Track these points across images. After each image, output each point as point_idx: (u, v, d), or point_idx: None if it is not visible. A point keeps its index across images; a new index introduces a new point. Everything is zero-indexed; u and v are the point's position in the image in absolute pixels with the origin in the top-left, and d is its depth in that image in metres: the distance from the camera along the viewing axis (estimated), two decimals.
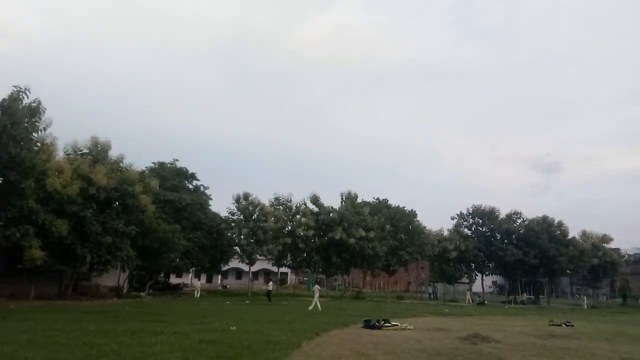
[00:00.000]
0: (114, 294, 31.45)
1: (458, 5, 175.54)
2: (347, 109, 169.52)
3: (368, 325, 15.97)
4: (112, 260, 28.12)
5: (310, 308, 25.59)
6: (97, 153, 29.98)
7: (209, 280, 64.92)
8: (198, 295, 37.01)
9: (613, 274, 58.19)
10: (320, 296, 25.94)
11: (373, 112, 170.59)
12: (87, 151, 29.96)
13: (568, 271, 55.23)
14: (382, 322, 16.20)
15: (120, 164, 31.30)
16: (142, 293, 34.85)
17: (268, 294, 33.61)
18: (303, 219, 43.95)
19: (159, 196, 36.18)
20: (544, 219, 53.29)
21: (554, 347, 12.46)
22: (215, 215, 44.38)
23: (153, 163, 45.89)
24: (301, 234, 43.35)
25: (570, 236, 53.79)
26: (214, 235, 42.20)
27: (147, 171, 40.19)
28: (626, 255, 60.54)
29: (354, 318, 18.97)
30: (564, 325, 19.85)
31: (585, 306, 45.64)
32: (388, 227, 50.57)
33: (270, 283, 35.60)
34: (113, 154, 31.23)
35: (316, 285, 29.66)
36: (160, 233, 32.06)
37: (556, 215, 54.64)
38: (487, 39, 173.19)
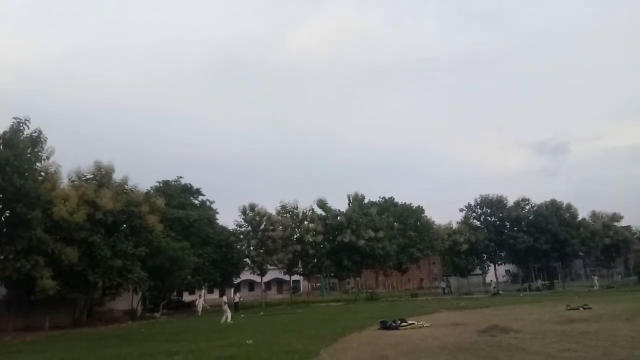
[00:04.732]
0: (129, 317, 31.47)
1: None
2: (347, 109, 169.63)
3: (385, 326, 15.87)
4: (123, 284, 28.20)
5: (222, 322, 23.26)
6: (101, 177, 30.09)
7: (222, 294, 64.63)
8: (200, 312, 35.25)
9: (626, 252, 57.86)
10: (336, 300, 25.25)
11: (374, 111, 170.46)
12: (91, 176, 30.08)
13: (580, 253, 54.92)
14: (399, 322, 16.09)
15: (125, 186, 31.42)
16: (156, 314, 34.82)
17: (235, 305, 31.33)
18: (311, 225, 43.92)
19: (165, 215, 36.21)
20: (553, 203, 53.02)
21: (574, 332, 12.34)
22: (223, 228, 44.42)
23: (158, 182, 46.05)
24: (310, 239, 43.25)
25: (580, 218, 53.54)
26: (223, 249, 42.21)
27: (152, 191, 40.15)
28: (638, 232, 59.94)
29: (370, 320, 18.86)
30: (582, 309, 19.67)
31: (597, 287, 45.29)
32: (396, 225, 50.48)
33: (237, 295, 33.78)
34: (117, 176, 31.43)
35: (224, 297, 27.11)
36: (169, 252, 32.05)
37: (565, 198, 54.69)
38: (482, 24, 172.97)
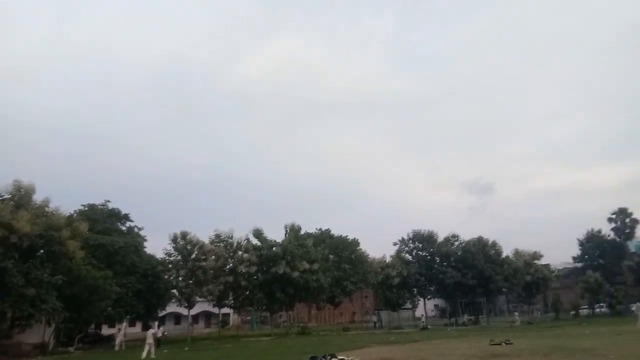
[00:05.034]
0: (39, 351, 28.85)
1: (394, 38, 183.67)
2: (288, 141, 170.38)
3: None
4: (36, 314, 26.01)
5: (143, 357, 22.61)
6: (20, 198, 28.13)
7: (146, 328, 61.28)
8: (118, 347, 32.60)
9: (545, 290, 61.20)
10: (266, 334, 24.77)
11: (314, 143, 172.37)
12: (9, 196, 28.08)
13: (504, 289, 57.48)
14: (329, 357, 15.89)
15: (46, 208, 29.51)
16: (70, 348, 32.16)
17: (158, 340, 29.74)
18: (245, 255, 42.76)
19: (88, 240, 34.07)
20: (480, 240, 55.37)
21: None
22: (151, 257, 42.23)
23: (82, 205, 43.13)
24: (243, 270, 42.08)
25: (504, 255, 56.23)
26: (149, 279, 39.97)
27: (75, 215, 37.78)
28: (556, 271, 63.87)
29: (300, 355, 18.48)
30: (504, 344, 20.41)
31: (518, 323, 47.44)
32: (331, 257, 50.44)
33: (161, 329, 33.83)
34: (38, 198, 29.45)
35: (150, 330, 26.31)
36: (90, 280, 29.94)
37: (491, 236, 57.12)
38: (422, 68, 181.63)
